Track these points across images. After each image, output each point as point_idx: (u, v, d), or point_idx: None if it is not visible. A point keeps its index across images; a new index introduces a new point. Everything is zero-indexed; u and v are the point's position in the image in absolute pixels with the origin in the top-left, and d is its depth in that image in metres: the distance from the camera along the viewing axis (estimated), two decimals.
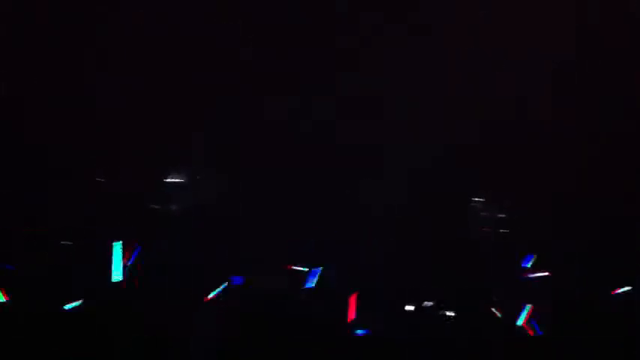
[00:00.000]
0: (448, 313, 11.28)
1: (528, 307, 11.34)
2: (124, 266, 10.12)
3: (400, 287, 12.35)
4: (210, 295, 11.16)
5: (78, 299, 10.19)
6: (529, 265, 13.32)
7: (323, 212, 14.45)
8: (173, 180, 14.80)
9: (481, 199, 15.32)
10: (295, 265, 12.39)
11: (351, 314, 10.97)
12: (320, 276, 11.71)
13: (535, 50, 15.07)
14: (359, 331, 10.57)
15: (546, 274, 12.99)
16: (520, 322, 11.20)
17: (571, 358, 10.24)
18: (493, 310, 11.78)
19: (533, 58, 15.11)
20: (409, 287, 12.28)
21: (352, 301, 11.06)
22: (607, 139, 15.11)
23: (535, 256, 13.33)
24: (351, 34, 15.23)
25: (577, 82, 15.05)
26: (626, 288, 12.42)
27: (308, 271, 11.82)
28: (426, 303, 11.57)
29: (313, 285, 11.60)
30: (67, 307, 9.83)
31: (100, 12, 14.83)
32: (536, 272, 13.09)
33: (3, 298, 9.66)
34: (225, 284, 11.38)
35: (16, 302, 10.35)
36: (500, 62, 15.24)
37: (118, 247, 9.26)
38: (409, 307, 11.52)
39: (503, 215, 15.35)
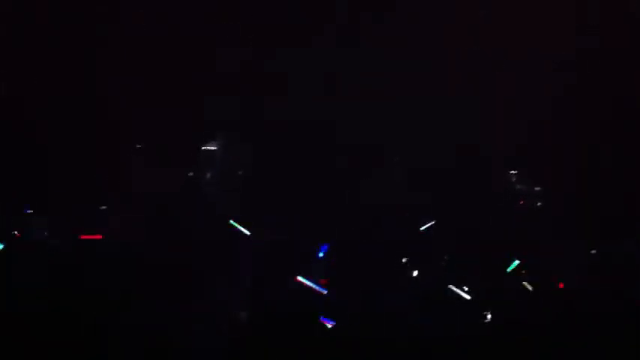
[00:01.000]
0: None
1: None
2: None
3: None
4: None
5: None
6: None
7: (323, 212, 14.45)
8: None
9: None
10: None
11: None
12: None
13: (535, 50, 15.09)
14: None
15: None
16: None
17: (572, 355, 10.23)
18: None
19: (533, 58, 15.12)
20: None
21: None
22: (607, 140, 15.12)
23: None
24: (351, 34, 15.25)
25: (577, 82, 15.06)
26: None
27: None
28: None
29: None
30: None
31: (100, 12, 14.84)
32: None
33: None
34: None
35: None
36: (500, 62, 15.26)
37: None
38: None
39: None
